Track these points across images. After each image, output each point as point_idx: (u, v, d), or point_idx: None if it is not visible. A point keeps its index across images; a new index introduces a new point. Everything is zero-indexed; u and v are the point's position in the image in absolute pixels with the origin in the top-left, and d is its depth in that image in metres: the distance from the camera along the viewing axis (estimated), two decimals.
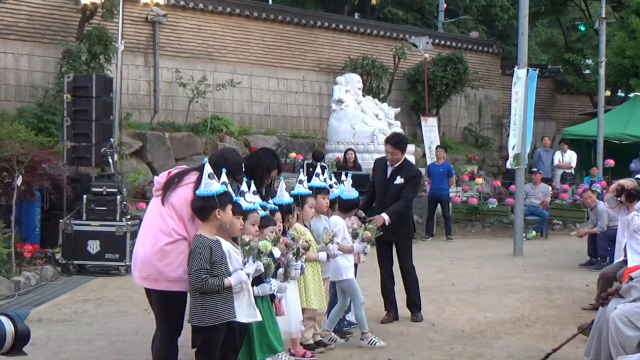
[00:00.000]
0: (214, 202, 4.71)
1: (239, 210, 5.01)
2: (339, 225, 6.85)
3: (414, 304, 8.02)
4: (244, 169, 5.72)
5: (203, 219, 4.77)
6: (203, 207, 4.75)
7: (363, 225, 7.26)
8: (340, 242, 6.74)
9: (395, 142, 8.00)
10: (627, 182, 7.40)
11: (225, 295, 4.75)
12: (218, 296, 4.71)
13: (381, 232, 7.38)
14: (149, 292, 5.06)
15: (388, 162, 7.98)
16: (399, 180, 7.86)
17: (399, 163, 7.92)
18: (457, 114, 23.91)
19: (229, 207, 4.79)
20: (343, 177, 7.33)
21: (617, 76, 22.30)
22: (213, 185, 4.74)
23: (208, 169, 4.81)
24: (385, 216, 7.59)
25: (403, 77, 21.87)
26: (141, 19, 17.23)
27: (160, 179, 5.13)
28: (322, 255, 6.40)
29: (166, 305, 4.95)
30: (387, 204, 7.80)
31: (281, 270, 5.57)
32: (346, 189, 7.08)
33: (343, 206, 7.04)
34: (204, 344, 4.82)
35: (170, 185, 5.00)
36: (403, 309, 8.03)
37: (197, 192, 4.79)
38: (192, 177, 5.00)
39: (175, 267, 4.84)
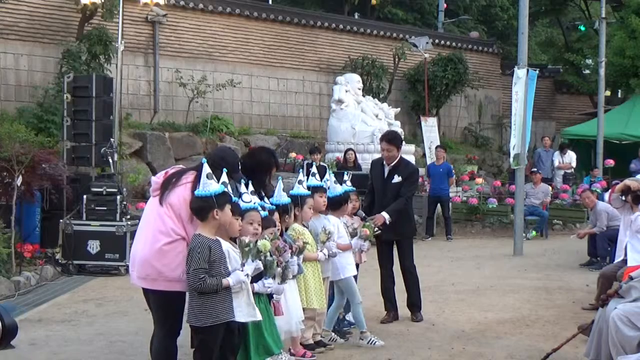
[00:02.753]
0: (212, 202, 4.71)
1: (238, 211, 5.01)
2: (335, 223, 6.85)
3: (415, 304, 8.02)
4: (242, 169, 5.74)
5: (202, 219, 4.77)
6: (202, 208, 4.75)
7: (363, 223, 7.26)
8: (336, 240, 6.74)
9: (390, 138, 7.97)
10: (633, 183, 7.39)
11: (224, 295, 4.74)
12: (216, 296, 4.70)
13: (379, 231, 7.39)
14: (147, 292, 5.05)
15: (384, 162, 7.97)
16: (397, 178, 7.85)
17: (395, 161, 7.90)
18: (457, 114, 23.91)
19: (228, 207, 4.78)
20: (345, 177, 7.32)
21: (617, 76, 22.29)
22: (211, 186, 4.74)
23: (206, 169, 4.80)
24: (385, 215, 7.58)
25: (403, 77, 21.86)
26: (141, 19, 17.24)
27: (157, 179, 5.12)
28: (321, 254, 6.40)
29: (165, 306, 4.95)
30: (387, 204, 7.79)
31: (279, 270, 5.56)
32: (330, 186, 7.05)
33: (331, 204, 7.01)
34: (202, 344, 4.81)
35: (168, 185, 4.99)
36: (403, 309, 8.03)
37: (196, 192, 4.79)
38: (190, 176, 4.99)
39: (174, 267, 4.83)
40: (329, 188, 6.99)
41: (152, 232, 4.91)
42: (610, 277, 7.91)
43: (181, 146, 16.58)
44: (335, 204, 7.01)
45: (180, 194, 4.91)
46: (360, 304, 6.95)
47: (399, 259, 8.04)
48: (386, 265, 8.02)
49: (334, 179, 7.08)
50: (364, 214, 7.69)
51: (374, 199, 8.09)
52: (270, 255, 5.19)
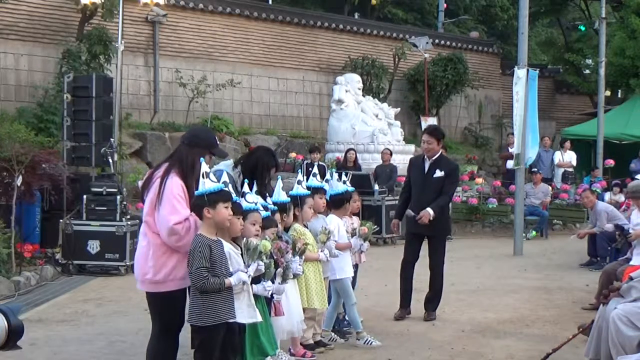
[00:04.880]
0: (203, 201, 4.74)
1: (239, 211, 5.02)
2: (334, 223, 6.85)
3: (432, 302, 8.00)
4: (242, 169, 5.76)
5: (200, 217, 4.82)
6: (196, 205, 4.81)
7: (362, 222, 7.28)
8: (337, 240, 6.75)
9: (430, 131, 8.11)
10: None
11: (225, 295, 4.75)
12: (218, 296, 4.71)
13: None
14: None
15: (425, 156, 7.98)
16: (439, 173, 7.85)
17: (436, 156, 7.93)
18: (457, 114, 23.90)
19: (221, 206, 4.77)
20: (344, 177, 7.32)
21: (617, 76, 22.28)
22: (206, 184, 4.78)
23: (204, 167, 4.82)
24: (430, 211, 7.66)
25: (403, 77, 21.86)
26: (141, 19, 17.23)
27: (141, 181, 5.23)
28: (322, 255, 6.40)
29: (155, 306, 5.00)
30: (427, 199, 7.80)
31: (280, 270, 5.56)
32: (333, 184, 7.05)
33: (333, 202, 7.02)
34: (203, 344, 4.81)
35: (145, 187, 5.05)
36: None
37: (196, 191, 4.84)
38: (160, 170, 5.03)
39: (158, 269, 4.87)
40: (330, 186, 7.01)
41: (141, 236, 5.03)
42: (611, 274, 7.91)
43: None
44: (337, 203, 7.00)
45: (153, 191, 4.94)
46: (354, 305, 6.95)
47: (430, 255, 8.01)
48: (410, 260, 7.99)
49: (336, 177, 7.09)
50: (412, 213, 7.73)
51: (409, 199, 8.11)
52: (267, 258, 5.18)
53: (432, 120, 19.88)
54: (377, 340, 6.88)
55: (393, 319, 7.84)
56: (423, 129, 8.44)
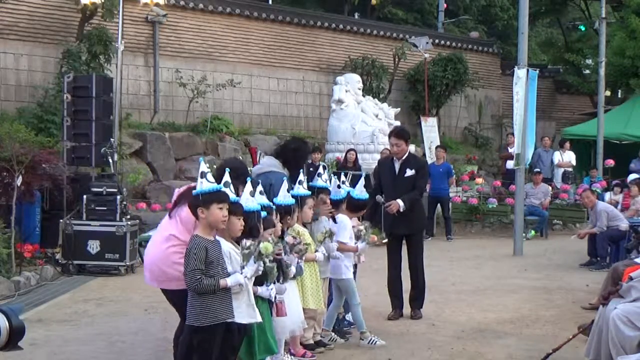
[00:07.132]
0: (197, 200, 4.76)
1: (239, 211, 5.02)
2: (346, 224, 6.86)
3: (417, 300, 8.03)
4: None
5: (196, 217, 4.84)
6: (192, 205, 4.84)
7: (364, 225, 7.29)
8: (347, 241, 6.77)
9: (398, 132, 8.15)
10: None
11: (223, 296, 4.75)
12: (215, 296, 4.72)
13: (384, 238, 7.46)
14: (164, 291, 5.30)
15: (394, 158, 8.02)
16: (410, 172, 7.92)
17: (405, 156, 7.98)
18: (457, 114, 23.90)
19: (215, 207, 4.76)
20: (343, 177, 7.33)
21: (617, 76, 22.27)
22: (203, 184, 4.78)
23: (202, 167, 4.84)
24: (400, 202, 7.71)
25: (403, 77, 21.85)
26: (141, 19, 17.23)
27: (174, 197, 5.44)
28: (319, 255, 6.39)
29: (182, 303, 5.04)
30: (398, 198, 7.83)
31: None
32: (358, 189, 7.12)
33: (353, 206, 7.07)
34: (201, 344, 4.81)
35: (179, 203, 5.24)
36: (406, 308, 8.04)
37: (193, 191, 4.89)
38: None
39: (181, 267, 4.96)
40: (339, 187, 7.04)
41: (159, 241, 5.21)
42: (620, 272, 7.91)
43: (181, 146, 16.58)
44: (357, 208, 7.11)
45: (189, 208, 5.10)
46: (359, 305, 6.96)
47: (408, 254, 8.07)
48: (395, 261, 8.04)
49: (362, 182, 7.16)
50: (382, 199, 7.76)
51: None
52: (270, 262, 5.18)
53: (432, 121, 19.89)
54: (381, 340, 6.89)
55: (387, 319, 7.86)
56: (389, 132, 8.40)
